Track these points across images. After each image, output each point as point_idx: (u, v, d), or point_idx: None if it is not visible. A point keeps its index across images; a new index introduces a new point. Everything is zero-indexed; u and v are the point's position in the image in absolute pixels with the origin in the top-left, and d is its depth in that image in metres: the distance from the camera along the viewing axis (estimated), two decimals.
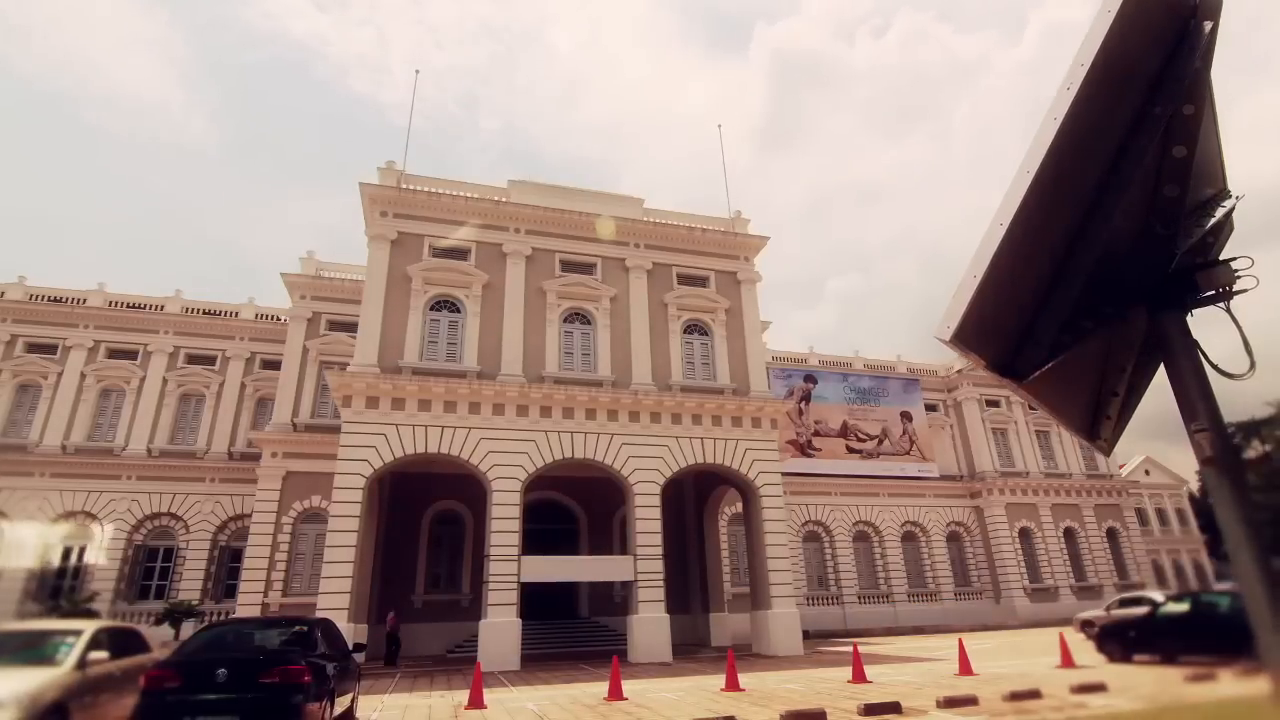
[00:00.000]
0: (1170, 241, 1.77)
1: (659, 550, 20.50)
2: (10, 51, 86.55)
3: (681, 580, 25.41)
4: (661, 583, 20.19)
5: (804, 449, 34.76)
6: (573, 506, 26.34)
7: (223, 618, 23.05)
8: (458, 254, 22.26)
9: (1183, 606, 13.90)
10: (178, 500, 26.91)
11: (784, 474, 29.25)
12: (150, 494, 26.77)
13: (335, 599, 17.85)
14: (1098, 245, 1.60)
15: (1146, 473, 50.73)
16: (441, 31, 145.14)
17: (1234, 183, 1.81)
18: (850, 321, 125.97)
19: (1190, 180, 1.77)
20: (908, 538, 35.20)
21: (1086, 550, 36.81)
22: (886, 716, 9.47)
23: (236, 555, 26.01)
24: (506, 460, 19.99)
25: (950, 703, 10.02)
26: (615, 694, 11.95)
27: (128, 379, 28.17)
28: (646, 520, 20.69)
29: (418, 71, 24.40)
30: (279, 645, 8.45)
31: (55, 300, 28.60)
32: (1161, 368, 1.71)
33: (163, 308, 29.49)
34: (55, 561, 25.38)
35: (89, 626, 8.80)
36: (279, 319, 30.03)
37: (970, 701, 10.07)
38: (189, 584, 25.91)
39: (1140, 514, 45.06)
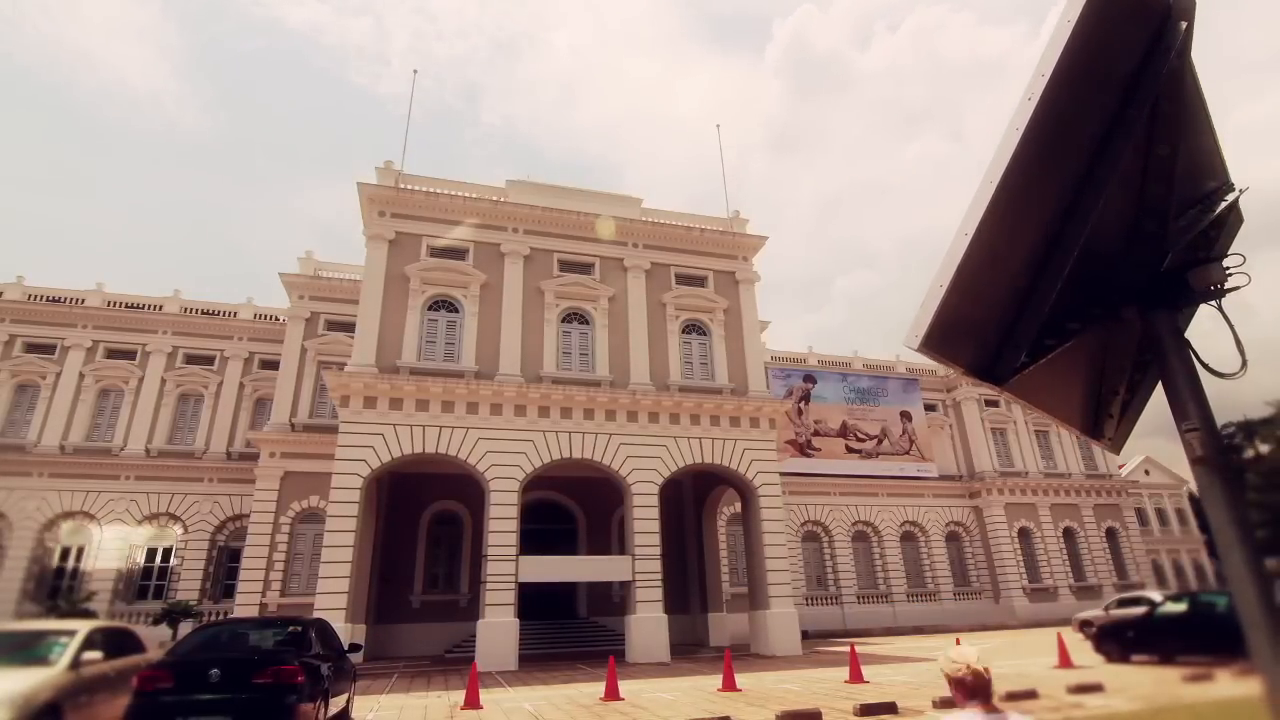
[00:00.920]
0: (1160, 240, 1.76)
1: (657, 550, 20.48)
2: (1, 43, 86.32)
3: (680, 580, 25.39)
4: (659, 583, 20.17)
5: (803, 449, 34.73)
6: (571, 507, 26.33)
7: (220, 618, 23.04)
8: (456, 254, 22.24)
9: (1180, 607, 13.90)
10: (176, 500, 26.90)
11: (783, 474, 29.26)
12: (149, 494, 26.75)
13: (333, 599, 17.84)
14: (1075, 248, 1.59)
15: (1146, 473, 50.71)
16: (441, 21, 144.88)
17: (1249, 180, 1.80)
18: (859, 320, 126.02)
19: (1175, 178, 1.76)
20: (907, 538, 35.18)
21: (1086, 550, 36.78)
22: (882, 717, 9.45)
23: (235, 555, 26.00)
24: (504, 460, 19.98)
25: (946, 703, 9.99)
26: (612, 694, 11.94)
27: (126, 379, 28.17)
28: (644, 520, 20.67)
29: (415, 71, 24.38)
30: (273, 645, 8.44)
31: (54, 300, 28.59)
32: None
33: (161, 308, 29.49)
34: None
35: (83, 627, 8.80)
36: (277, 319, 30.02)
37: None
38: (187, 584, 25.90)
39: (1140, 514, 45.06)
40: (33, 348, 27.74)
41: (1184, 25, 1.57)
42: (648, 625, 19.47)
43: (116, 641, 9.25)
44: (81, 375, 27.73)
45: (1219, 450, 1.56)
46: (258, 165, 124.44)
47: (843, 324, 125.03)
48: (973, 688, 2.32)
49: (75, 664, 8.12)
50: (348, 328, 25.88)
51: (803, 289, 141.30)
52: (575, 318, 22.83)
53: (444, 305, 21.69)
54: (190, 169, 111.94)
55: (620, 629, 21.54)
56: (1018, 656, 17.43)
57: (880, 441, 36.38)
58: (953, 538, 36.04)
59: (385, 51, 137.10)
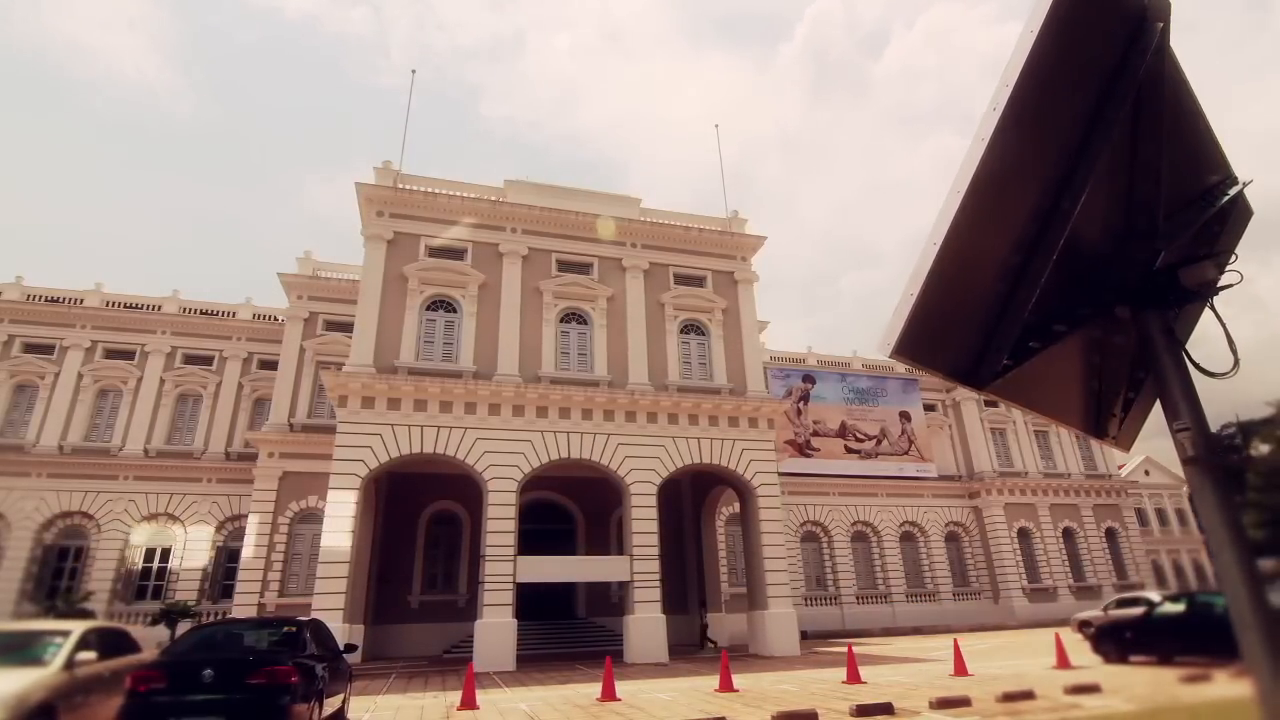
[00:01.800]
0: (1151, 238, 1.76)
1: (655, 550, 20.47)
2: None
3: (679, 581, 25.37)
4: (658, 583, 20.15)
5: (802, 449, 34.71)
6: (570, 507, 26.31)
7: (218, 618, 23.03)
8: (454, 254, 22.24)
9: (1179, 607, 13.85)
10: (174, 500, 26.89)
11: (782, 474, 29.24)
12: (147, 494, 26.74)
13: (330, 599, 17.82)
14: (1055, 251, 1.59)
15: (1146, 473, 50.69)
16: (441, 11, 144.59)
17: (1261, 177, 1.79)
18: (864, 318, 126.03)
19: (1163, 176, 1.76)
20: (906, 538, 35.15)
21: (1085, 550, 36.74)
22: (878, 718, 9.43)
23: (234, 555, 25.98)
24: (502, 460, 19.96)
25: (943, 703, 9.98)
26: (608, 694, 11.92)
27: (125, 379, 28.16)
28: (643, 520, 20.66)
29: (414, 71, 24.38)
30: (267, 646, 8.42)
31: (52, 300, 28.59)
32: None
33: (160, 308, 29.48)
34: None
35: (78, 627, 8.77)
36: (276, 319, 30.01)
37: (963, 702, 10.03)
38: (186, 584, 25.88)
39: (1140, 514, 45.03)
40: (31, 348, 27.73)
41: (1160, 26, 1.57)
42: (645, 625, 19.45)
43: (111, 642, 9.22)
44: (80, 375, 27.72)
45: (1211, 450, 1.56)
46: (254, 159, 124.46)
47: (849, 322, 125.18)
48: None
49: (69, 664, 8.09)
50: (346, 328, 25.88)
51: (807, 288, 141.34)
52: (574, 318, 22.81)
53: (442, 305, 21.68)
54: (186, 165, 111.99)
55: (619, 629, 21.52)
56: (1016, 657, 17.41)
57: (879, 442, 36.35)
58: (952, 538, 36.01)
59: (385, 43, 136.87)
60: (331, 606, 17.64)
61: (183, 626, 21.95)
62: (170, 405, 28.30)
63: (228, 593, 25.44)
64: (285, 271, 27.80)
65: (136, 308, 29.30)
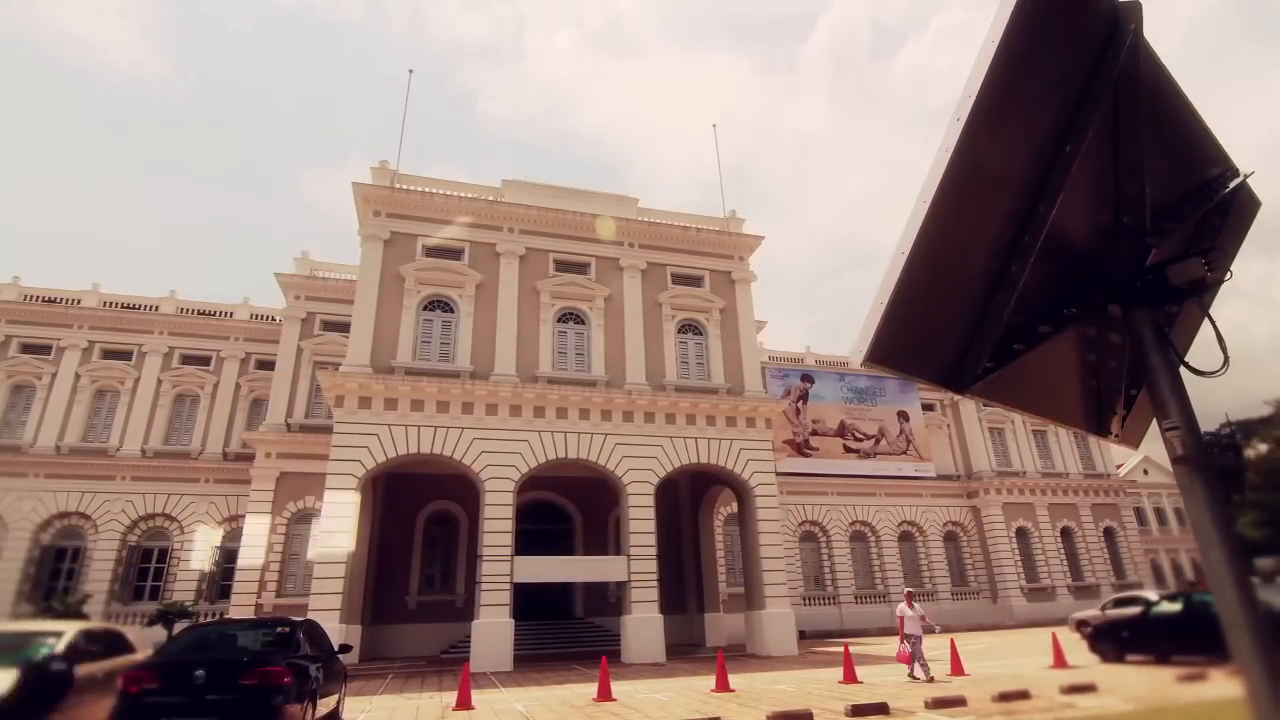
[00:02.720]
0: (1140, 236, 1.75)
1: (653, 551, 20.45)
2: None
3: (677, 581, 25.36)
4: (655, 583, 20.13)
5: (801, 449, 34.69)
6: (568, 507, 26.30)
7: (214, 619, 22.99)
8: (451, 254, 22.22)
9: (1175, 606, 13.85)
10: (172, 501, 26.85)
11: (781, 474, 29.20)
12: (144, 495, 26.70)
13: (327, 600, 17.81)
14: (1032, 255, 1.59)
15: (1145, 472, 50.69)
16: (440, 4, 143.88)
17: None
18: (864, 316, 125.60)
19: (1145, 174, 1.76)
20: (904, 538, 35.13)
21: (1084, 550, 36.73)
22: (873, 718, 9.42)
23: (231, 556, 25.92)
24: (499, 460, 19.95)
25: (939, 703, 9.97)
26: (604, 695, 11.91)
27: (122, 379, 28.12)
28: (640, 521, 20.64)
29: (411, 71, 24.36)
30: (261, 647, 8.40)
31: (49, 300, 28.54)
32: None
33: (157, 308, 29.44)
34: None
35: (70, 628, 8.75)
36: (274, 319, 29.97)
37: (959, 702, 10.03)
38: (183, 585, 25.85)
39: (1139, 513, 45.03)
40: (28, 348, 27.69)
41: (1132, 27, 1.58)
42: (643, 625, 19.44)
43: (105, 643, 9.20)
44: (77, 376, 27.68)
45: (1200, 449, 1.55)
46: (249, 153, 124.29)
47: (849, 321, 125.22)
48: None
49: None
50: (344, 328, 25.82)
51: (808, 286, 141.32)
52: (571, 318, 22.80)
53: (439, 305, 21.66)
54: (179, 159, 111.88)
55: (617, 629, 21.51)
56: (1013, 656, 17.41)
57: (878, 441, 36.34)
58: (950, 538, 36.00)
59: (381, 31, 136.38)
60: (328, 607, 17.62)
61: (180, 627, 21.93)
62: (168, 406, 28.26)
63: (225, 593, 25.37)
64: (283, 272, 27.76)
65: (134, 308, 29.25)
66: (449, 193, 22.84)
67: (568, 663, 19.28)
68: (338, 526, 18.42)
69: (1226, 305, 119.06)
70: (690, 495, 27.18)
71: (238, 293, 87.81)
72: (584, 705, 11.46)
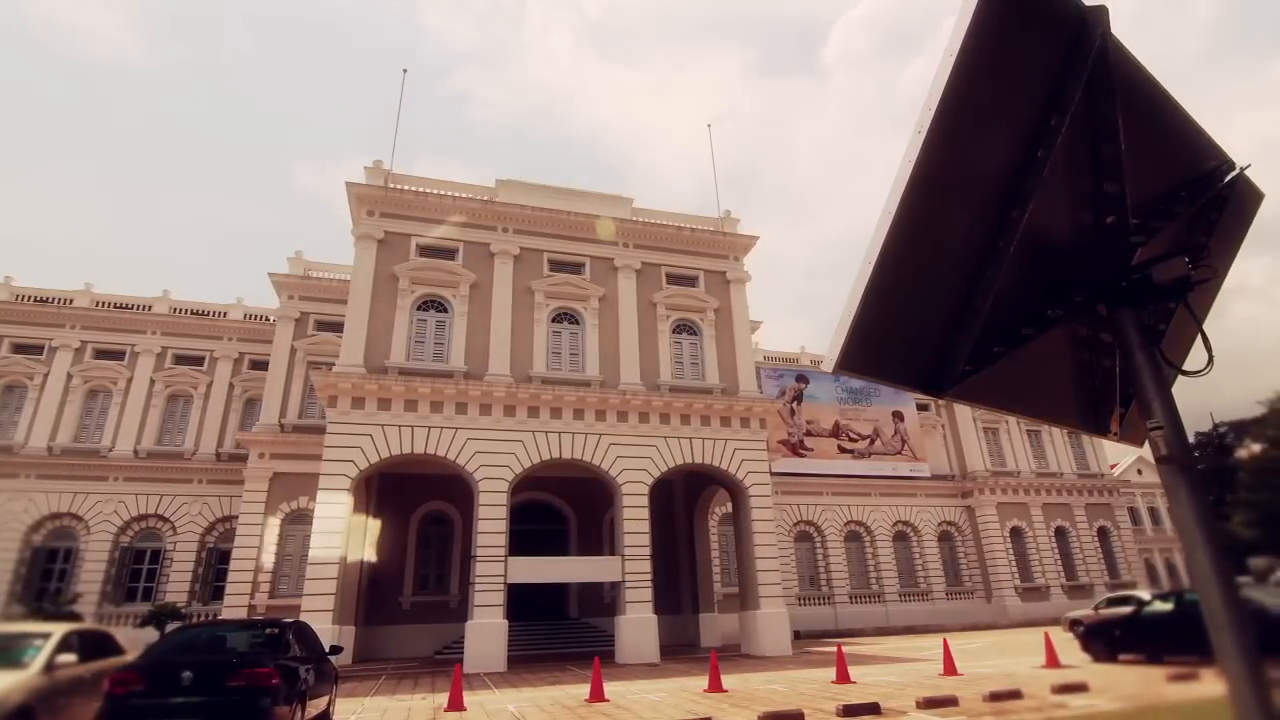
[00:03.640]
0: (1125, 234, 1.75)
1: (647, 551, 20.43)
2: None
3: (672, 581, 25.35)
4: (649, 583, 20.12)
5: (796, 449, 34.71)
6: (563, 507, 26.27)
7: (208, 619, 22.90)
8: (445, 254, 22.17)
9: (1167, 606, 13.89)
10: (165, 502, 26.74)
11: (775, 474, 29.22)
12: (137, 495, 26.59)
13: (320, 600, 17.74)
14: (1004, 260, 1.60)
15: (1139, 471, 50.85)
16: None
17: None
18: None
19: (1123, 173, 1.75)
20: (899, 537, 35.17)
21: (1078, 549, 36.83)
22: (865, 718, 9.41)
23: (224, 557, 25.82)
24: (493, 460, 19.91)
25: (930, 703, 9.97)
26: (597, 695, 11.89)
27: (115, 380, 28.00)
28: (634, 521, 20.62)
29: (405, 70, 24.29)
30: (249, 648, 8.36)
31: (41, 300, 28.41)
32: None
33: (150, 308, 29.32)
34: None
35: (58, 629, 8.70)
36: (267, 319, 29.88)
37: (950, 702, 10.03)
38: (176, 586, 25.75)
39: (1133, 513, 45.16)
40: (20, 348, 27.54)
41: (1100, 31, 1.58)
42: (637, 626, 19.42)
43: (93, 644, 9.15)
44: (70, 376, 27.55)
45: (1184, 449, 1.55)
46: (243, 148, 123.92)
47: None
48: None
49: (49, 667, 8.03)
50: (338, 328, 25.75)
51: (806, 285, 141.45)
52: (565, 318, 22.77)
53: (433, 305, 21.61)
54: (175, 155, 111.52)
55: (611, 630, 21.47)
56: (1006, 656, 17.43)
57: (873, 441, 36.38)
58: (945, 537, 36.05)
59: (375, 21, 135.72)
60: (321, 608, 17.56)
61: (172, 629, 21.85)
62: (160, 406, 28.14)
63: (218, 594, 25.29)
64: (276, 271, 27.69)
65: (126, 308, 29.13)
66: (443, 192, 22.79)
67: (562, 663, 19.26)
68: (331, 527, 18.35)
69: (1236, 303, 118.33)
70: (685, 495, 27.18)
71: (231, 292, 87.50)
72: (576, 706, 11.44)
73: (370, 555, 23.23)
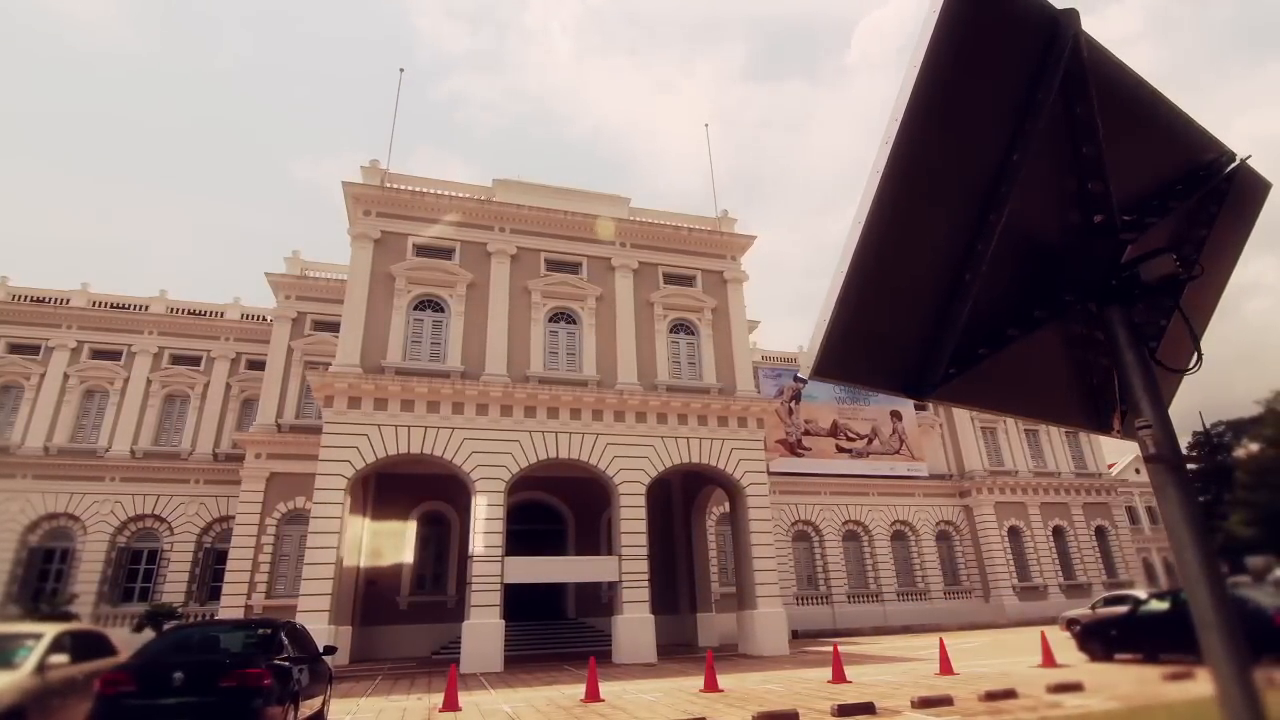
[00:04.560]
0: (1113, 233, 1.74)
1: (644, 551, 20.42)
2: None
3: (669, 581, 25.34)
4: (646, 583, 20.10)
5: (794, 448, 34.72)
6: (560, 507, 26.25)
7: (205, 619, 22.85)
8: (442, 253, 22.14)
9: (1163, 605, 13.89)
10: (162, 502, 26.70)
11: (773, 473, 29.24)
12: (134, 495, 26.55)
13: (316, 600, 17.72)
14: (984, 263, 1.59)
15: (1137, 471, 50.81)
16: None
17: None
18: None
19: (1105, 172, 1.75)
20: (897, 537, 35.19)
21: (1075, 549, 36.86)
22: (860, 717, 9.40)
23: (221, 557, 25.79)
24: (490, 461, 19.89)
25: (925, 703, 9.96)
26: (592, 695, 11.88)
27: (111, 380, 27.95)
28: (631, 521, 20.61)
29: (402, 70, 24.27)
30: (242, 648, 8.34)
31: (38, 300, 28.36)
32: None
33: (147, 308, 29.27)
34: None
35: (51, 630, 8.69)
36: (264, 319, 29.84)
37: (945, 701, 10.02)
38: (173, 586, 25.71)
39: (1131, 512, 45.15)
40: (16, 348, 27.49)
41: (1072, 33, 1.58)
42: (633, 626, 19.41)
43: (86, 645, 9.14)
44: (66, 376, 27.50)
45: (1173, 448, 1.55)
46: (239, 144, 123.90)
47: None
48: None
49: (41, 668, 8.01)
50: (335, 328, 25.73)
51: (805, 283, 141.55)
52: (562, 317, 22.75)
53: (430, 305, 21.59)
54: (170, 153, 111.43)
55: (608, 629, 21.47)
56: (1003, 655, 17.43)
57: (871, 441, 36.40)
58: (943, 537, 36.07)
59: (378, 23, 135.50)
60: (318, 608, 17.53)
61: (168, 629, 21.80)
62: (157, 406, 28.10)
63: (215, 594, 25.26)
64: (273, 271, 27.66)
65: (123, 308, 29.08)
66: (440, 192, 22.77)
67: (558, 663, 19.24)
68: (326, 527, 18.32)
69: (1252, 300, 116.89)
70: (682, 495, 27.17)
71: (228, 292, 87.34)
72: (571, 706, 11.42)
73: (367, 555, 23.22)
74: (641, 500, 20.90)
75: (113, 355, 28.33)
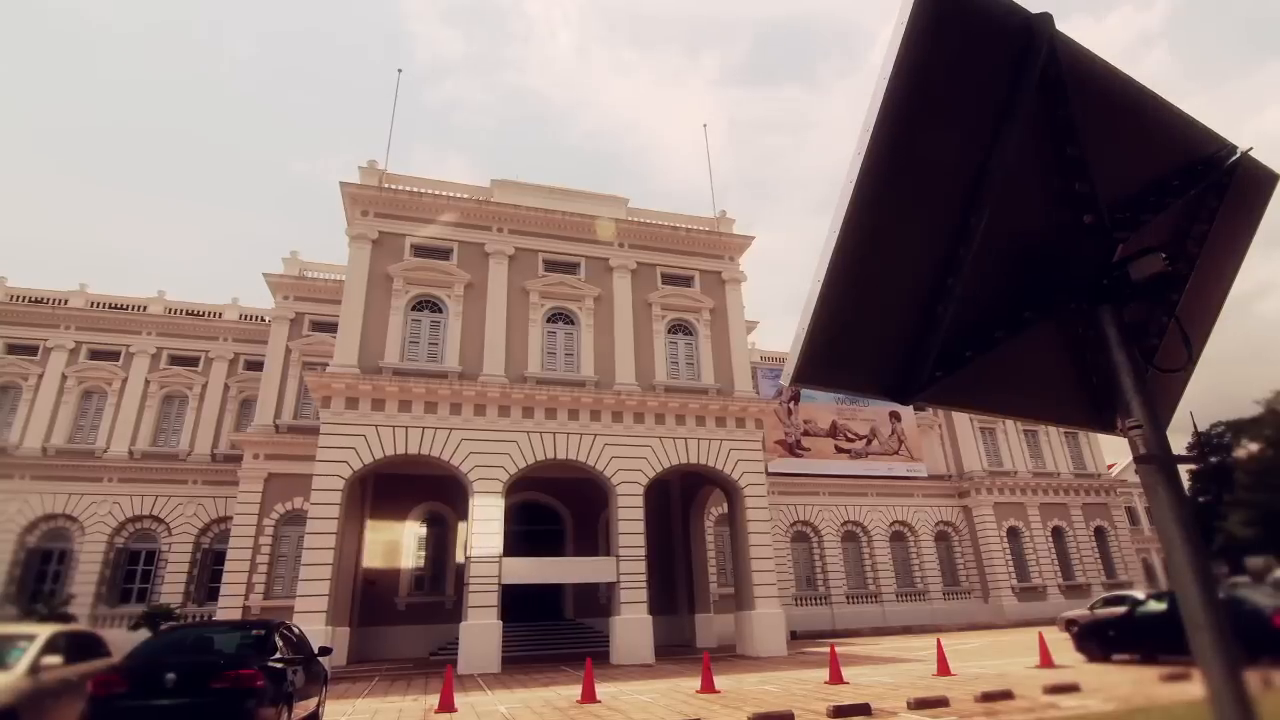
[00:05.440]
0: (1104, 231, 1.74)
1: (642, 551, 20.39)
2: None
3: (667, 581, 25.31)
4: (644, 584, 20.08)
5: (793, 449, 34.70)
6: (558, 508, 26.22)
7: (202, 621, 22.82)
8: (440, 254, 22.13)
9: (1161, 606, 13.87)
10: (160, 503, 26.68)
11: (772, 474, 29.23)
12: (132, 496, 26.53)
13: (313, 601, 17.70)
14: (964, 267, 1.58)
15: (1136, 471, 50.83)
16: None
17: None
18: None
19: (1089, 172, 1.74)
20: (896, 537, 35.16)
21: (1074, 549, 36.83)
22: (856, 718, 9.38)
23: (219, 558, 25.77)
24: (488, 461, 19.87)
25: (921, 704, 9.94)
26: (588, 696, 11.85)
27: (109, 380, 27.94)
28: (629, 521, 20.59)
29: (400, 70, 24.28)
30: (235, 649, 8.32)
31: (36, 301, 28.35)
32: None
33: (145, 308, 29.26)
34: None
35: (44, 631, 8.67)
36: (263, 319, 29.83)
37: (941, 703, 10.00)
38: (171, 587, 25.69)
39: (1130, 512, 45.13)
40: (14, 349, 27.48)
41: (1047, 37, 1.58)
42: (631, 626, 19.38)
43: (80, 646, 9.12)
44: (64, 377, 27.49)
45: (1164, 448, 1.55)
46: (237, 143, 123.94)
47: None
48: None
49: (34, 669, 8.00)
50: (332, 328, 25.67)
51: (807, 283, 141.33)
52: (560, 318, 22.74)
53: (428, 305, 21.58)
54: (167, 152, 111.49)
55: (606, 630, 21.45)
56: (1001, 656, 17.41)
57: (869, 441, 36.38)
58: (942, 537, 36.04)
59: (377, 22, 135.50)
60: (315, 609, 17.51)
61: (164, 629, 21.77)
62: (155, 407, 28.09)
63: (213, 595, 25.22)
64: (271, 271, 27.64)
65: (121, 308, 29.07)
66: (438, 192, 22.76)
67: (556, 664, 19.22)
68: (324, 528, 18.30)
69: (1267, 298, 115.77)
70: (681, 495, 27.15)
71: (226, 293, 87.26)
72: (567, 707, 11.40)
73: (365, 556, 23.19)
74: (639, 501, 20.88)
75: (111, 356, 28.31)
